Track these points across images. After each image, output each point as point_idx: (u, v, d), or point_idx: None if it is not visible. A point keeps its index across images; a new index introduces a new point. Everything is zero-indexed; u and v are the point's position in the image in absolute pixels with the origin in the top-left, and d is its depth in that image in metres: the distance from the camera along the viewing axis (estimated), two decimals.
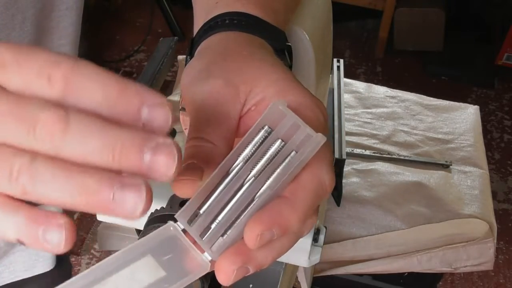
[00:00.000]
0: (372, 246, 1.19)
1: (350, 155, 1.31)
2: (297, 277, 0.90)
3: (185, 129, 0.75)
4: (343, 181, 1.25)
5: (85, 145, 0.25)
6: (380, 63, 2.52)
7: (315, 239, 0.50)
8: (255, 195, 0.32)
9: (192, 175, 0.32)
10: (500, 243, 1.86)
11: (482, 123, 1.46)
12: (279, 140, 0.32)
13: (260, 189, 0.32)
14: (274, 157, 0.32)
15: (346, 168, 1.26)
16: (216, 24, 0.41)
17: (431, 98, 1.51)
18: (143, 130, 0.26)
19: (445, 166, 1.32)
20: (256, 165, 0.32)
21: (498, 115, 2.33)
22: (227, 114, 0.35)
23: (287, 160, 0.32)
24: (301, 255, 0.50)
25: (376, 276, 1.30)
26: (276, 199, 0.32)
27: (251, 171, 0.32)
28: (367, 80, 2.31)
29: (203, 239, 0.32)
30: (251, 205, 0.32)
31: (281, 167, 0.32)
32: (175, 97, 1.44)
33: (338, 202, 1.24)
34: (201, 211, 0.32)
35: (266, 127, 0.33)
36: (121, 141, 0.25)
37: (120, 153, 0.25)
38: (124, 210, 0.26)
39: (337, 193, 1.24)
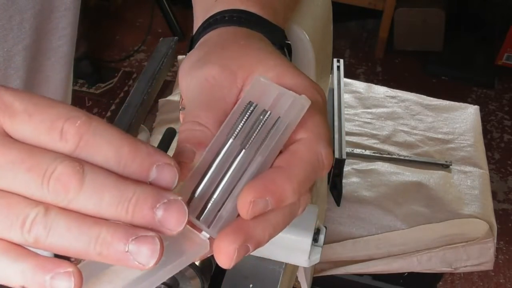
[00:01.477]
0: (372, 246, 1.19)
1: (350, 155, 1.31)
2: (297, 277, 0.90)
3: None
4: (343, 181, 1.25)
5: (99, 199, 0.26)
6: (380, 63, 2.52)
7: (315, 239, 0.50)
8: (247, 167, 0.32)
9: (184, 158, 0.33)
10: (500, 243, 1.86)
11: (482, 123, 1.46)
12: (265, 111, 0.32)
13: (251, 160, 0.32)
14: (261, 127, 0.32)
15: (346, 168, 1.26)
16: (215, 21, 0.41)
17: (431, 98, 1.51)
18: (154, 187, 0.27)
19: (445, 166, 1.32)
20: (245, 139, 0.32)
21: (498, 115, 2.32)
22: (222, 99, 0.35)
23: (274, 126, 0.32)
24: (301, 255, 0.50)
25: (376, 276, 1.30)
26: (270, 169, 0.32)
27: (241, 145, 0.32)
28: (367, 80, 2.31)
29: (200, 219, 0.32)
30: (244, 177, 0.32)
31: (269, 134, 0.32)
32: (175, 97, 1.44)
33: (338, 202, 1.23)
34: (195, 194, 0.32)
35: (251, 102, 0.33)
36: (135, 196, 0.26)
37: (134, 208, 0.26)
38: (138, 262, 0.26)
39: (337, 193, 1.24)
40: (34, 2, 0.52)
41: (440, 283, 1.58)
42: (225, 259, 0.30)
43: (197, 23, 0.45)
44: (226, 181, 0.32)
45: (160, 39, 0.60)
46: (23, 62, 0.54)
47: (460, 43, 2.51)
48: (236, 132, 0.32)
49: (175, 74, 2.06)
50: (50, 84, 0.61)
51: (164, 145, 0.78)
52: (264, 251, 0.52)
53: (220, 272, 0.54)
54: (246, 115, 0.32)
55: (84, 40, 2.22)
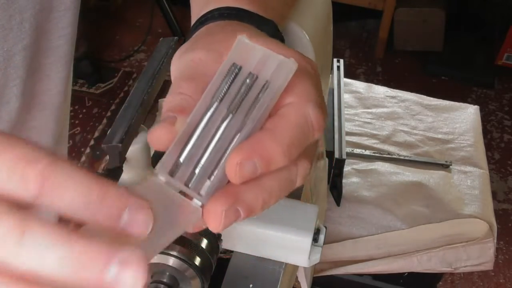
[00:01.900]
0: (372, 246, 1.19)
1: (350, 155, 1.31)
2: (297, 277, 0.90)
3: None
4: (343, 181, 1.25)
5: (39, 259, 0.23)
6: (380, 63, 2.52)
7: (315, 239, 0.50)
8: (235, 133, 0.31)
9: (165, 122, 0.32)
10: (500, 243, 1.86)
11: (482, 123, 1.46)
12: (251, 74, 0.31)
13: (239, 125, 0.31)
14: (248, 91, 0.31)
15: (346, 168, 1.26)
16: (206, 19, 0.42)
17: (431, 98, 1.51)
18: (107, 243, 0.24)
19: (445, 166, 1.32)
20: (232, 103, 0.31)
21: (498, 115, 2.32)
22: (205, 73, 0.34)
23: (262, 91, 0.31)
24: (301, 255, 0.50)
25: (376, 276, 1.30)
26: (257, 132, 0.31)
27: (227, 110, 0.31)
28: (367, 80, 2.31)
29: (190, 186, 0.31)
30: (233, 142, 0.31)
31: (258, 98, 0.31)
32: None
33: (338, 202, 1.24)
34: (181, 160, 0.31)
35: (235, 64, 0.31)
36: (83, 255, 0.23)
37: (80, 268, 0.23)
38: None
39: (337, 193, 1.24)
40: (34, 1, 0.52)
41: (440, 283, 1.58)
42: (214, 221, 0.30)
43: (193, 22, 0.45)
44: (214, 146, 0.31)
45: (160, 39, 0.60)
46: (23, 61, 0.55)
47: (460, 43, 2.51)
48: (221, 96, 0.31)
49: None
50: (49, 84, 0.61)
51: None
52: (264, 251, 0.52)
53: (220, 272, 0.54)
54: (231, 78, 0.31)
55: (84, 40, 2.22)
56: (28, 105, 0.60)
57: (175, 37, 0.55)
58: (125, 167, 0.60)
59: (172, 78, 0.37)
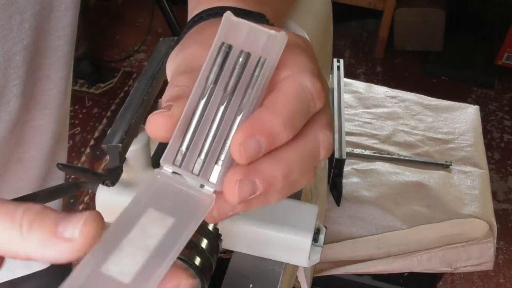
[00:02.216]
0: (372, 246, 1.19)
1: (350, 155, 1.31)
2: (297, 277, 0.90)
3: None
4: (343, 181, 1.25)
5: None
6: (380, 63, 2.52)
7: (315, 239, 0.50)
8: (235, 114, 0.30)
9: (161, 109, 0.32)
10: (500, 243, 1.86)
11: (482, 123, 1.46)
12: (243, 52, 0.31)
13: (238, 105, 0.30)
14: (242, 70, 0.31)
15: (346, 168, 1.26)
16: (195, 22, 0.43)
17: (431, 98, 1.51)
18: None
19: (445, 166, 1.32)
20: (227, 84, 0.31)
21: (498, 115, 2.32)
22: (199, 66, 0.34)
23: (257, 69, 0.30)
24: (301, 255, 0.50)
25: (376, 276, 1.30)
26: (256, 109, 0.31)
27: (224, 92, 0.31)
28: (367, 80, 2.31)
29: (198, 174, 0.30)
30: (235, 123, 0.30)
31: (254, 77, 0.30)
32: None
33: (338, 202, 1.24)
34: (183, 148, 0.31)
35: (225, 44, 0.31)
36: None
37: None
38: None
39: (337, 193, 1.24)
40: (34, 2, 0.52)
41: (440, 283, 1.58)
42: (229, 192, 0.29)
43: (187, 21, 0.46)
44: (216, 130, 0.30)
45: (160, 39, 0.60)
46: (23, 61, 0.55)
47: (460, 43, 2.51)
48: (215, 78, 0.31)
49: None
50: (49, 84, 0.61)
51: (164, 145, 0.78)
52: (264, 251, 0.52)
53: (220, 272, 0.54)
54: (223, 58, 0.31)
55: (84, 40, 2.22)
56: (28, 105, 0.60)
57: (175, 37, 0.54)
58: (125, 167, 0.60)
59: (169, 78, 0.38)
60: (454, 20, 2.49)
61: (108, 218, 0.54)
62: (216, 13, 0.42)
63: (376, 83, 1.58)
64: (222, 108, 0.30)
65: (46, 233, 0.27)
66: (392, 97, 1.49)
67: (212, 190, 0.30)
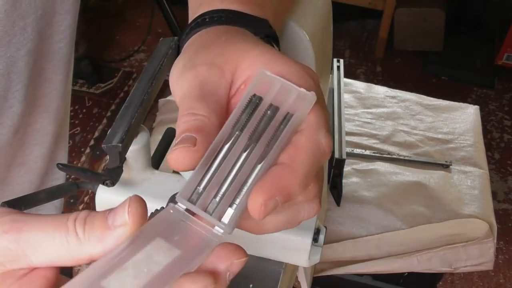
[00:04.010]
0: (372, 246, 1.19)
1: (350, 155, 1.31)
2: (297, 277, 0.90)
3: None
4: (343, 181, 1.25)
5: None
6: (380, 63, 2.52)
7: (315, 239, 0.50)
8: (256, 162, 0.32)
9: (185, 143, 0.32)
10: (500, 243, 1.86)
11: (482, 123, 1.46)
12: (272, 105, 0.33)
13: (260, 155, 0.32)
14: (269, 122, 0.32)
15: (346, 168, 1.26)
16: (197, 24, 0.42)
17: (431, 98, 1.51)
18: None
19: (445, 166, 1.32)
20: (253, 133, 0.32)
21: (498, 115, 2.32)
22: (214, 92, 0.35)
23: (284, 123, 0.32)
24: (301, 255, 0.50)
25: (376, 276, 1.30)
26: (274, 167, 0.32)
27: (248, 140, 0.32)
28: (367, 80, 2.31)
29: (211, 214, 0.31)
30: (255, 171, 0.32)
31: (279, 130, 0.32)
32: None
33: (338, 202, 1.23)
34: (200, 188, 0.32)
35: (256, 95, 0.33)
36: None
37: None
38: None
39: (337, 193, 1.24)
40: (36, 7, 0.52)
41: (440, 283, 1.58)
42: (257, 213, 0.31)
43: (188, 23, 0.46)
44: (235, 175, 0.32)
45: (160, 39, 0.60)
46: (25, 67, 0.55)
47: (460, 43, 2.51)
48: (242, 126, 0.32)
49: None
50: (51, 87, 0.61)
51: (164, 145, 0.78)
52: (264, 251, 0.52)
53: None
54: (252, 109, 0.32)
55: (84, 40, 2.22)
56: (30, 109, 0.60)
57: (175, 37, 0.54)
58: (125, 167, 0.60)
59: (177, 99, 0.37)
60: (454, 20, 2.49)
61: None
62: (219, 17, 0.42)
63: (376, 83, 1.58)
64: (244, 155, 0.32)
65: (101, 229, 0.30)
66: (392, 97, 1.49)
67: (222, 231, 0.31)
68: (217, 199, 0.32)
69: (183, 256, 0.30)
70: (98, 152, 2.06)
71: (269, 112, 0.32)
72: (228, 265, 0.30)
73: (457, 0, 2.56)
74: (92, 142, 2.10)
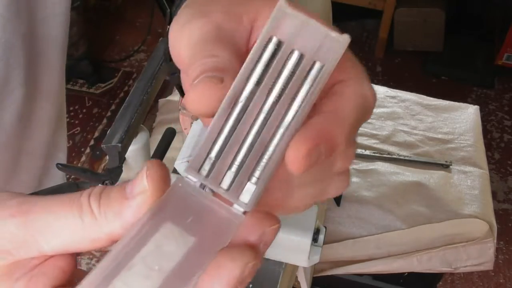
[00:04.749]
0: (372, 246, 1.19)
1: None
2: (297, 277, 0.90)
3: (184, 129, 0.75)
4: None
5: None
6: (380, 63, 2.52)
7: (315, 239, 0.50)
8: (278, 126, 0.26)
9: (208, 79, 0.26)
10: (500, 243, 1.86)
11: (482, 123, 1.46)
12: (296, 51, 0.26)
13: (283, 117, 0.26)
14: (293, 73, 0.26)
15: None
16: None
17: (431, 98, 1.51)
18: None
19: (445, 166, 1.32)
20: (273, 87, 0.26)
21: (498, 115, 2.32)
22: (232, 38, 0.29)
23: (311, 73, 0.26)
24: (301, 255, 0.50)
25: (376, 276, 1.30)
26: (317, 115, 0.26)
27: (268, 95, 0.26)
28: None
29: (227, 189, 0.26)
30: (277, 136, 0.26)
31: (306, 82, 0.26)
32: (175, 97, 1.44)
33: (338, 202, 1.23)
34: (212, 155, 0.26)
35: (274, 39, 0.26)
36: None
37: None
38: None
39: None
40: None
41: (440, 283, 1.58)
42: (295, 161, 0.25)
43: None
44: (252, 141, 0.26)
45: (160, 39, 0.60)
46: (22, 50, 0.55)
47: (460, 43, 2.51)
48: (258, 78, 0.26)
49: None
50: (49, 71, 0.62)
51: (164, 145, 0.78)
52: None
53: None
54: (270, 56, 0.26)
55: (84, 40, 2.22)
56: (32, 93, 0.60)
57: None
58: (124, 167, 0.60)
59: (184, 49, 0.30)
60: (454, 20, 2.49)
61: None
62: None
63: (376, 83, 1.58)
64: (262, 117, 0.26)
65: (118, 202, 0.26)
66: (392, 97, 1.49)
67: (242, 210, 0.26)
68: (233, 170, 0.26)
69: (199, 244, 0.25)
70: (98, 152, 2.06)
71: (292, 59, 0.26)
72: (261, 234, 0.26)
73: (457, 0, 2.56)
74: (92, 142, 2.10)
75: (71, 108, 2.20)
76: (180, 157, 0.58)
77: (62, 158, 0.73)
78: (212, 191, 0.27)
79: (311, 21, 0.25)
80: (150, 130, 1.36)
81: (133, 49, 2.47)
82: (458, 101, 1.51)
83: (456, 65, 2.46)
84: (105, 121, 2.20)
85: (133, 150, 0.61)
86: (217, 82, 0.26)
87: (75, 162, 2.02)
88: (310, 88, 0.26)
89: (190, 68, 0.27)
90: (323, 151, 0.25)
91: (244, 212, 0.26)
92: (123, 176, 0.58)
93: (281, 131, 0.26)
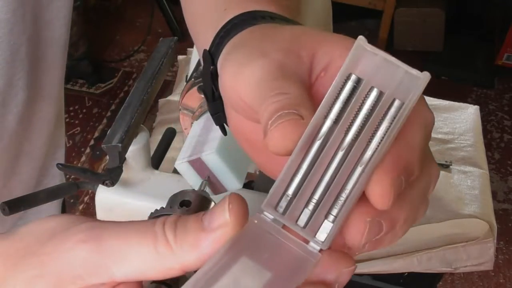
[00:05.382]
0: None
1: None
2: None
3: (184, 129, 0.75)
4: None
5: None
6: None
7: None
8: (357, 163, 0.25)
9: (289, 116, 0.26)
10: (500, 243, 1.86)
11: (482, 123, 1.46)
12: (375, 89, 0.25)
13: (364, 153, 0.25)
14: (372, 111, 0.25)
15: None
16: (235, 25, 0.36)
17: (431, 98, 1.51)
18: None
19: (445, 166, 1.32)
20: (352, 124, 0.25)
21: (498, 115, 2.32)
22: (296, 75, 0.29)
23: (391, 111, 0.25)
24: None
25: (376, 276, 1.29)
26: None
27: (346, 133, 0.25)
28: None
29: (304, 227, 0.26)
30: (355, 174, 0.25)
31: (385, 120, 0.25)
32: (175, 97, 1.44)
33: None
34: (289, 193, 0.26)
35: (353, 76, 0.26)
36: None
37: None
38: None
39: None
40: None
41: (440, 283, 1.58)
42: (356, 233, 0.26)
43: (206, 37, 0.39)
44: (329, 179, 0.26)
45: (160, 39, 0.60)
46: (27, 53, 0.55)
47: (460, 43, 2.51)
48: (336, 116, 0.25)
49: (175, 74, 2.06)
50: (50, 73, 0.62)
51: (164, 145, 0.78)
52: None
53: None
54: (348, 93, 0.25)
55: (84, 40, 2.22)
56: (34, 96, 0.60)
57: (175, 37, 0.55)
58: (125, 167, 0.60)
59: (246, 89, 0.30)
60: (454, 20, 2.49)
61: (108, 218, 0.55)
62: (262, 16, 0.36)
63: None
64: (340, 154, 0.26)
65: (195, 233, 0.26)
66: None
67: (318, 248, 0.26)
68: (310, 208, 0.26)
69: (275, 280, 0.25)
70: (98, 152, 2.06)
71: (371, 98, 0.25)
72: (338, 275, 0.26)
73: (457, 0, 2.56)
74: (92, 142, 2.10)
75: (71, 108, 2.20)
76: (180, 157, 0.58)
77: (61, 156, 0.73)
78: (288, 228, 0.27)
79: (391, 58, 0.26)
80: (150, 130, 1.36)
81: (133, 49, 2.47)
82: (458, 101, 1.50)
83: (456, 65, 2.46)
84: (105, 121, 2.20)
85: (133, 150, 0.61)
86: (299, 118, 0.26)
87: (75, 162, 2.02)
88: (389, 125, 0.25)
89: (261, 107, 0.27)
90: (403, 181, 0.25)
91: (320, 250, 0.26)
92: (123, 176, 0.58)
93: (359, 169, 0.25)
